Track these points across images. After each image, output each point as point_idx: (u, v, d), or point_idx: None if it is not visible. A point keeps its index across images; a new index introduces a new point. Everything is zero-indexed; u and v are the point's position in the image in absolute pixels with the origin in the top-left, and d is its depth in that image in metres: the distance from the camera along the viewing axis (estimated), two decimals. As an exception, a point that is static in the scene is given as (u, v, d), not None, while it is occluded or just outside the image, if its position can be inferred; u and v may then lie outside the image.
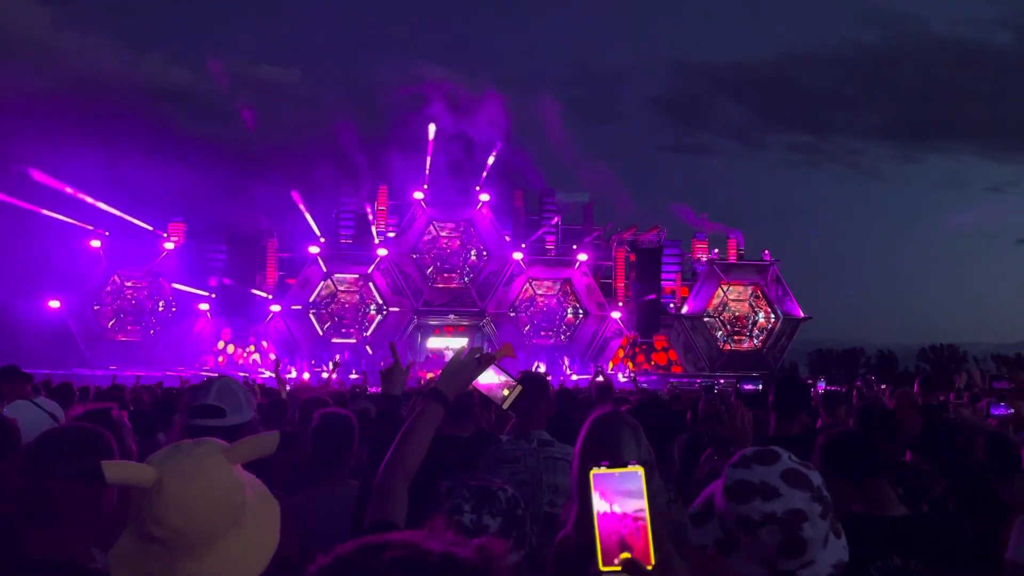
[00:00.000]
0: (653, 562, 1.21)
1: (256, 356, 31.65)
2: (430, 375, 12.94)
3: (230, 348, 31.78)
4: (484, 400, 3.64)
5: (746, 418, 2.93)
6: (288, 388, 9.54)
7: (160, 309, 33.92)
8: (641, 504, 1.23)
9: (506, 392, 2.21)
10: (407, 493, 1.97)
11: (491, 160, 36.21)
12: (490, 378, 2.20)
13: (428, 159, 36.01)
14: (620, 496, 1.24)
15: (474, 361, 2.16)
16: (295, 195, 32.66)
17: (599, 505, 1.24)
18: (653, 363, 33.26)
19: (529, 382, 3.67)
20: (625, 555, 1.21)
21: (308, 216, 33.93)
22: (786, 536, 1.54)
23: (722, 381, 27.26)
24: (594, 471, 1.27)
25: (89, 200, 30.81)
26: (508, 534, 1.63)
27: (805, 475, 1.61)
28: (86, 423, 2.61)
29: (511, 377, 2.23)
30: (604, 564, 1.22)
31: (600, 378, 10.91)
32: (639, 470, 1.25)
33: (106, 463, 1.24)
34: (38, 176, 28.76)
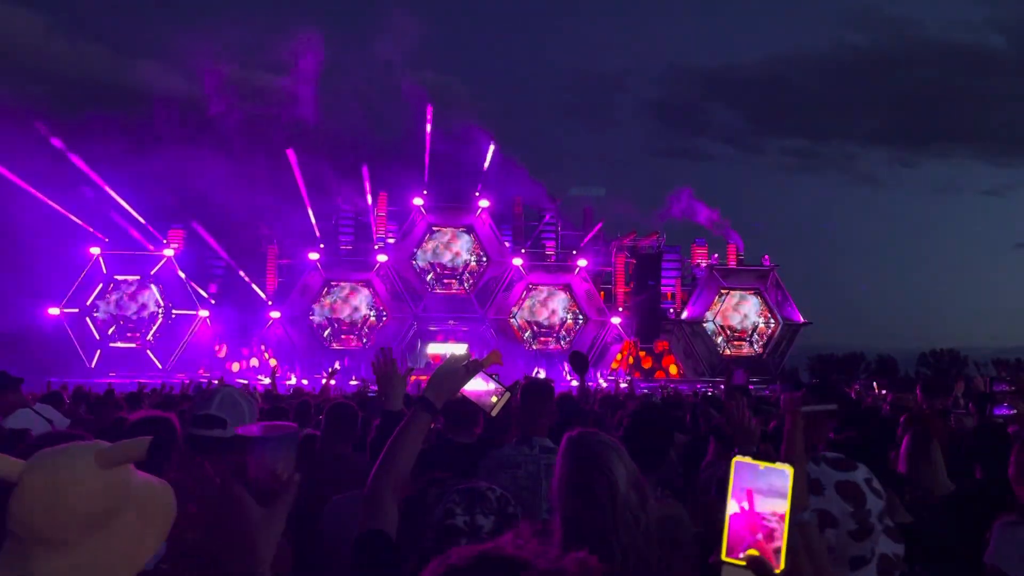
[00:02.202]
0: (782, 567, 1.14)
1: (254, 361, 31.61)
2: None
3: (222, 352, 31.77)
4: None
5: (750, 417, 2.84)
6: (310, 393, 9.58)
7: (159, 316, 33.89)
8: (783, 504, 1.16)
9: (494, 399, 2.19)
10: (396, 502, 1.96)
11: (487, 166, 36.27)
12: (478, 385, 2.18)
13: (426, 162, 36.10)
14: (760, 491, 1.17)
15: (462, 368, 2.13)
16: (301, 186, 32.52)
17: (734, 496, 1.18)
18: (663, 369, 33.27)
19: (532, 388, 3.66)
20: (753, 552, 1.15)
21: (311, 213, 33.85)
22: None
23: (723, 387, 27.21)
24: (737, 459, 1.20)
25: (87, 206, 30.88)
26: (501, 532, 1.62)
27: (864, 493, 1.62)
28: (79, 430, 2.60)
29: (500, 384, 2.20)
30: (728, 555, 1.16)
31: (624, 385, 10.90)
32: (788, 469, 1.17)
33: None
34: (36, 182, 28.80)
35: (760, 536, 1.15)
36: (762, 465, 1.18)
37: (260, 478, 1.44)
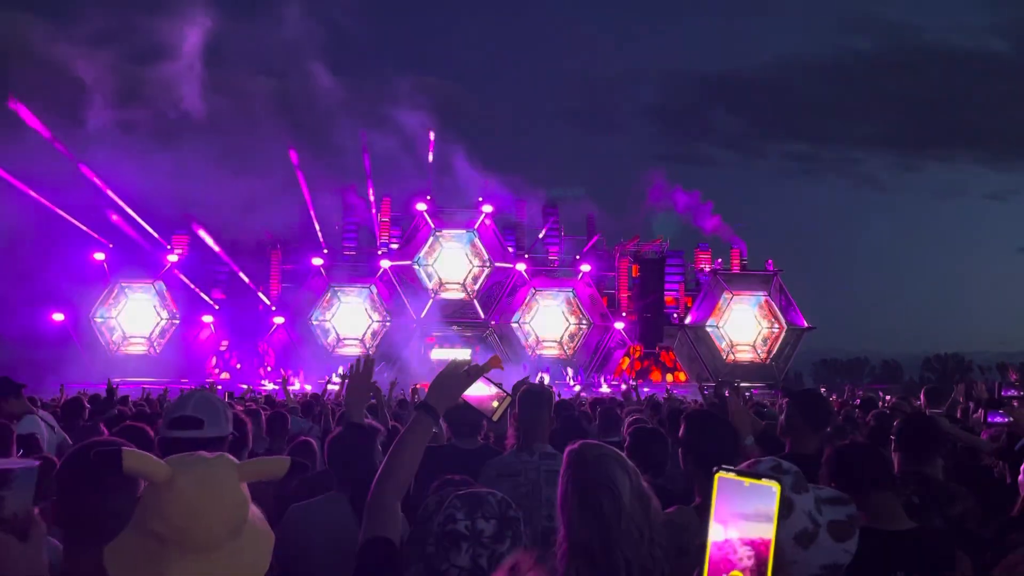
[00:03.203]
0: None
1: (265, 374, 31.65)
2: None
3: (223, 347, 31.80)
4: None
5: (745, 410, 3.01)
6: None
7: (163, 321, 33.94)
8: (768, 528, 1.06)
9: (496, 404, 2.19)
10: (400, 508, 1.96)
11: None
12: (479, 390, 2.17)
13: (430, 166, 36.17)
14: (743, 512, 1.07)
15: (463, 373, 2.14)
16: (304, 192, 32.63)
17: (716, 518, 1.08)
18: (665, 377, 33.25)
19: (532, 394, 3.65)
20: (737, 574, 1.06)
21: (314, 218, 33.98)
22: None
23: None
24: (720, 475, 1.10)
25: (92, 212, 30.98)
26: (503, 536, 1.63)
27: (787, 496, 1.59)
28: (118, 436, 2.63)
29: (501, 389, 2.20)
30: None
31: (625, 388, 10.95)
32: (774, 487, 1.07)
33: (126, 451, 1.27)
34: (40, 187, 28.90)
35: (744, 561, 1.07)
36: (747, 481, 1.08)
37: (18, 514, 1.42)
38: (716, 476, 1.10)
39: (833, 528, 1.64)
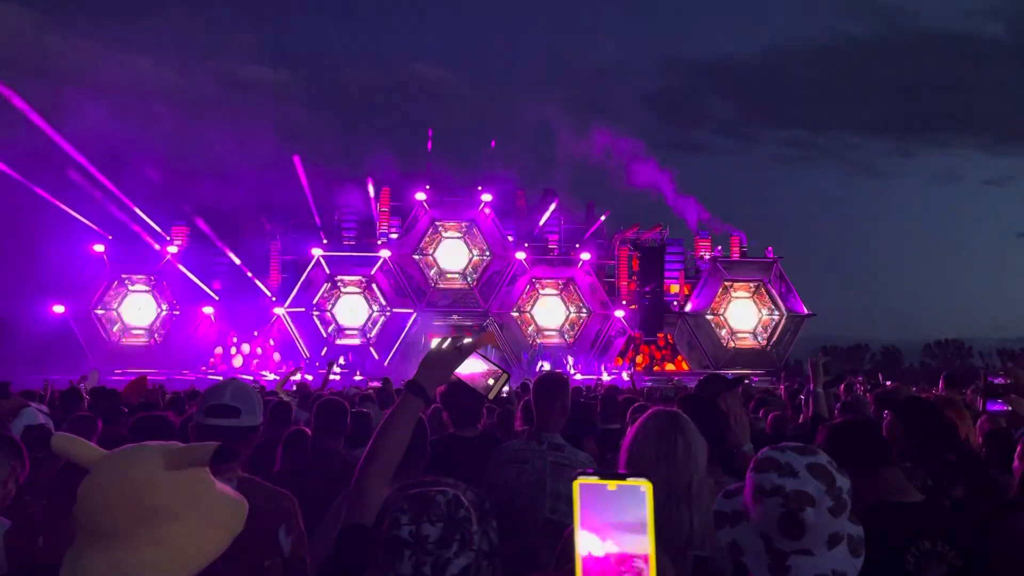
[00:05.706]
0: None
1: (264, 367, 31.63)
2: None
3: (236, 349, 31.79)
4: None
5: (743, 418, 3.06)
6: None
7: (164, 313, 33.91)
8: (643, 534, 0.93)
9: (491, 381, 2.06)
10: (384, 494, 1.90)
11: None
12: (473, 367, 2.06)
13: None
14: (614, 521, 0.95)
15: (455, 350, 2.03)
16: (303, 181, 32.55)
17: (584, 526, 0.96)
18: (662, 364, 33.27)
19: (545, 383, 3.59)
20: None
21: (313, 208, 33.89)
22: (787, 512, 1.58)
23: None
24: (579, 480, 0.98)
25: (91, 205, 30.89)
26: (451, 539, 1.54)
27: (832, 473, 1.65)
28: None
29: (496, 366, 2.07)
30: None
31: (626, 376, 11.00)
32: (644, 485, 0.95)
33: (57, 434, 1.29)
34: (39, 179, 28.81)
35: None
36: (612, 485, 0.96)
37: None
38: (576, 484, 0.98)
39: (853, 538, 1.66)
